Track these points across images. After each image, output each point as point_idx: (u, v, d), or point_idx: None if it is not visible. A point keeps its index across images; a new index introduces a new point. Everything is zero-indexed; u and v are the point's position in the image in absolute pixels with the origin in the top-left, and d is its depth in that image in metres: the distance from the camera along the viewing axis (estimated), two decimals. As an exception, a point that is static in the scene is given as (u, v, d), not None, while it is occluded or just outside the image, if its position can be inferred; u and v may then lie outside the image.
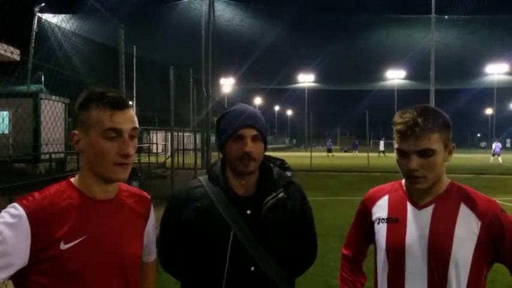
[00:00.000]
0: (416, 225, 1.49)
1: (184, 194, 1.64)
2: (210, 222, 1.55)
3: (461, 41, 31.43)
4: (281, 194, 1.62)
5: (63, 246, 1.19)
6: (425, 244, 1.46)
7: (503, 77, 49.24)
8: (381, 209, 1.61)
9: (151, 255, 1.56)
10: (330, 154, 39.70)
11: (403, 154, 1.47)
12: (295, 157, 32.44)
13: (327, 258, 5.37)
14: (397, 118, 1.49)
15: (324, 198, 12.09)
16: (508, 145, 72.78)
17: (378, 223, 1.59)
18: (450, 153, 1.51)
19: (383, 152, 38.48)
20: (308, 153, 24.67)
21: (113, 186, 1.34)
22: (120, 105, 1.28)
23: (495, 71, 48.92)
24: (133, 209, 1.41)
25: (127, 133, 1.28)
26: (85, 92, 1.30)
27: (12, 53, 6.31)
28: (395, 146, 1.50)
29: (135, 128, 1.31)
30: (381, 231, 1.57)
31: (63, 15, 20.63)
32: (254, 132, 1.59)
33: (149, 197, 1.53)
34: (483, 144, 58.97)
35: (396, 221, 1.54)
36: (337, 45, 34.21)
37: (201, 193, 1.61)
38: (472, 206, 1.47)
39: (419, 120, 1.43)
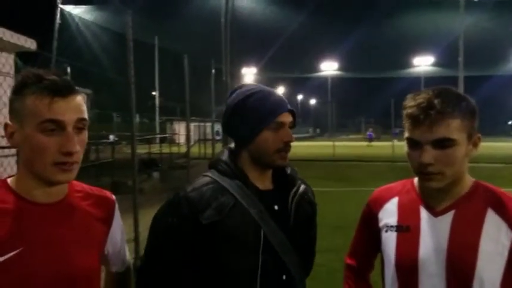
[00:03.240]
0: (432, 235, 1.22)
1: (197, 192, 1.30)
2: (238, 222, 1.27)
3: (492, 25, 30.21)
4: (303, 186, 1.41)
5: None
6: (444, 259, 1.19)
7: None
8: (388, 214, 1.34)
9: (120, 264, 1.34)
10: (370, 144, 39.09)
11: (414, 145, 1.19)
12: (318, 146, 32.10)
13: (348, 253, 5.21)
14: (408, 101, 1.21)
15: (346, 189, 11.84)
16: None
17: (386, 231, 1.32)
18: (475, 145, 1.22)
19: None
20: (332, 143, 24.27)
21: (58, 188, 1.12)
22: (61, 91, 1.04)
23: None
24: (88, 212, 1.19)
25: (71, 125, 1.05)
26: (20, 74, 1.08)
27: (32, 43, 6.27)
28: (406, 135, 1.22)
29: (82, 119, 1.08)
30: (389, 241, 1.30)
31: (84, 6, 20.83)
32: (291, 118, 1.36)
33: (113, 197, 1.30)
34: None
35: (407, 230, 1.27)
36: (361, 32, 33.46)
37: (218, 189, 1.30)
38: (502, 212, 1.19)
39: (436, 101, 1.15)
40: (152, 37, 27.28)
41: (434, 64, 49.39)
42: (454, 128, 1.16)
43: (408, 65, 49.95)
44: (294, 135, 1.35)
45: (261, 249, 1.27)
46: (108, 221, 1.25)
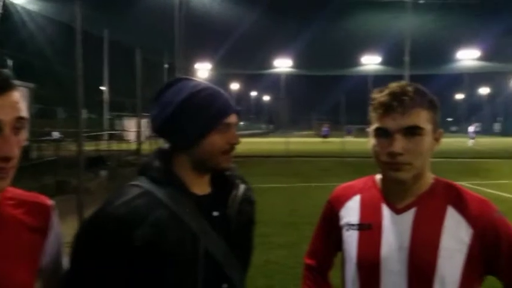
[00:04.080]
0: (394, 233, 1.21)
1: (127, 207, 1.13)
2: (175, 237, 1.14)
3: (436, 27, 31.82)
4: (243, 186, 1.31)
5: None
6: (405, 257, 1.18)
7: (474, 63, 50.28)
8: (350, 212, 1.32)
9: (57, 277, 1.19)
10: (325, 140, 39.70)
11: (383, 134, 1.17)
12: (271, 143, 32.38)
13: (301, 249, 5.22)
14: (378, 93, 1.21)
15: (299, 184, 12.00)
16: (478, 129, 75.33)
17: (347, 230, 1.30)
18: (437, 140, 1.24)
19: None
20: (286, 139, 24.57)
21: None
22: None
23: (466, 57, 49.97)
24: (21, 222, 1.05)
25: (8, 126, 0.92)
26: None
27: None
28: (376, 125, 1.20)
29: (20, 118, 0.94)
30: (351, 240, 1.28)
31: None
32: (236, 119, 1.27)
33: (50, 203, 1.15)
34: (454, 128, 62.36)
35: (369, 228, 1.25)
36: (313, 30, 34.09)
37: (151, 201, 1.15)
38: (462, 209, 1.20)
39: (409, 88, 1.18)
40: (101, 29, 26.25)
41: (382, 63, 51.25)
42: (423, 117, 1.17)
43: (357, 63, 51.52)
44: (248, 132, 1.30)
45: (201, 263, 1.17)
46: (44, 231, 1.11)
